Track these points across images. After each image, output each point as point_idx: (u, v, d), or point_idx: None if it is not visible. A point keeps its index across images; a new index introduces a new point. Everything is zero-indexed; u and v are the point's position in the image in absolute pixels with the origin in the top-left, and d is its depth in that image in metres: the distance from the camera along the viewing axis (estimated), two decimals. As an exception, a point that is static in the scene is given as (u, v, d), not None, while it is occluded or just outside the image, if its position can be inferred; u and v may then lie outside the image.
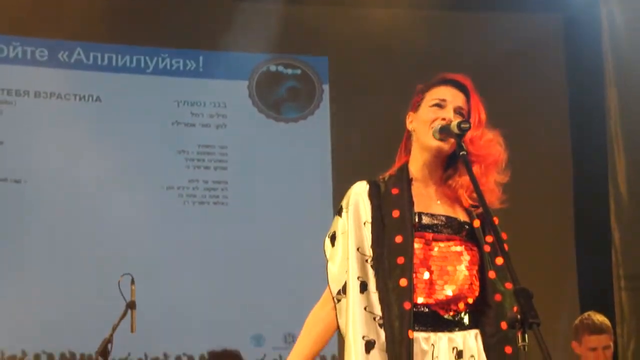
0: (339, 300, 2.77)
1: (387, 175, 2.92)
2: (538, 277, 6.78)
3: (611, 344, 4.81)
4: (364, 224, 2.81)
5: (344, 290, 2.77)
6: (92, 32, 6.93)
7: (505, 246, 2.85)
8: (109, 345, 4.90)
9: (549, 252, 7.04)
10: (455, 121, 2.76)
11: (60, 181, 6.73)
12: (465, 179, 2.79)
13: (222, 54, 7.21)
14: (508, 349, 2.71)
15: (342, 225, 2.84)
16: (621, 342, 6.72)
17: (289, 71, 7.41)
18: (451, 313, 2.75)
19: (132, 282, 5.06)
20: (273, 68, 7.38)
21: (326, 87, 7.39)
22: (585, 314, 4.89)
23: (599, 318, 4.82)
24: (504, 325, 2.72)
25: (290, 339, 6.83)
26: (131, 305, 5.03)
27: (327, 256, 2.84)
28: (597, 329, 4.78)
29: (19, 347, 6.45)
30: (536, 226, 7.00)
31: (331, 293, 2.79)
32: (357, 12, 7.17)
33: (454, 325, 2.74)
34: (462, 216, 2.84)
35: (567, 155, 7.40)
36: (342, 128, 7.20)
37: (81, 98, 6.96)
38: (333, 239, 2.85)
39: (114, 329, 4.95)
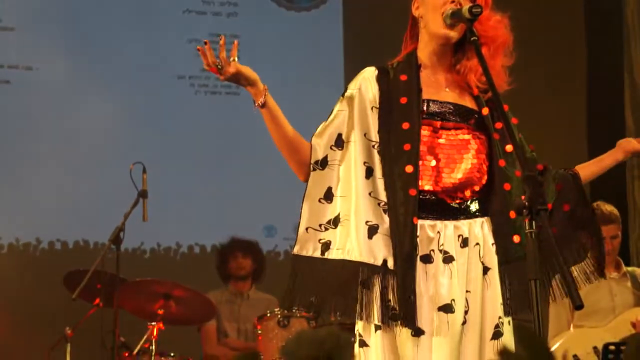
0: (313, 169, 2.74)
1: (395, 61, 2.87)
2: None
3: (619, 233, 4.82)
4: (372, 109, 2.77)
5: (321, 163, 2.74)
6: None
7: (519, 135, 2.84)
8: (121, 234, 4.94)
9: (561, 139, 7.01)
10: (466, 5, 2.69)
11: (71, 69, 6.67)
12: (474, 62, 2.75)
13: (234, -61, 7.08)
14: (516, 238, 2.70)
15: (341, 104, 2.81)
16: (633, 233, 6.73)
17: (302, -42, 7.28)
18: (457, 201, 2.73)
19: (144, 170, 5.06)
20: (285, -46, 7.26)
21: (339, -25, 7.26)
22: (594, 204, 4.87)
23: (608, 208, 4.82)
24: (512, 214, 2.70)
25: (301, 230, 6.87)
26: (143, 194, 5.05)
27: (318, 128, 2.81)
28: (606, 219, 4.78)
29: (33, 235, 6.52)
30: (549, 113, 6.95)
31: (310, 159, 2.74)
32: None
33: (460, 213, 2.73)
34: (470, 104, 2.81)
35: (582, 43, 7.31)
36: (354, 19, 7.10)
37: (94, -14, 6.88)
38: (330, 114, 2.82)
39: (125, 217, 4.97)
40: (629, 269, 5.03)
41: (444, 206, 2.73)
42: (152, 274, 5.50)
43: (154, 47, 6.87)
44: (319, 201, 2.73)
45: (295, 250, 2.73)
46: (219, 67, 2.62)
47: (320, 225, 2.71)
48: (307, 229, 2.71)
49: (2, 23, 6.66)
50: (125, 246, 5.43)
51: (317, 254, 2.70)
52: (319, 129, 2.79)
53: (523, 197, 2.34)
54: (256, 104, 2.71)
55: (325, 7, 7.22)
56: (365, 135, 2.76)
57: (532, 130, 6.96)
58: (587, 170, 2.98)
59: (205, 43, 2.62)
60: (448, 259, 2.68)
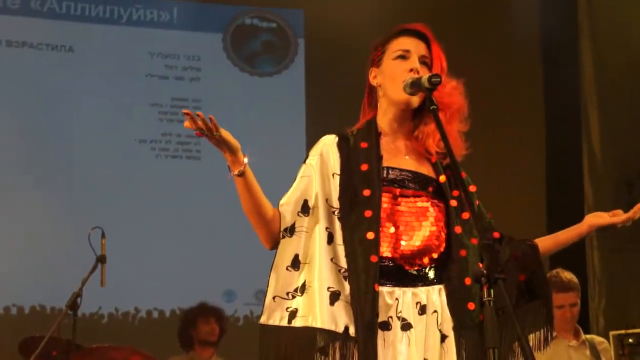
0: (282, 237, 2.73)
1: (355, 129, 2.90)
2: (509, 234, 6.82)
3: (578, 301, 4.83)
4: (333, 175, 2.78)
5: (289, 230, 2.73)
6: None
7: (477, 202, 2.86)
8: (79, 299, 4.85)
9: (521, 210, 7.06)
10: (425, 75, 2.72)
11: (32, 131, 6.65)
12: (431, 128, 2.78)
13: (197, 6, 7.16)
14: (471, 305, 2.70)
15: (304, 170, 2.81)
16: (592, 302, 6.77)
17: (265, 24, 7.35)
18: (415, 268, 2.74)
19: (103, 235, 5.00)
20: (248, 21, 7.32)
21: (301, 42, 7.33)
22: (554, 272, 4.89)
23: (567, 275, 4.84)
24: (467, 280, 2.70)
25: (261, 296, 6.82)
26: (101, 259, 4.98)
27: (284, 197, 2.79)
28: (565, 287, 4.79)
29: (-12, 300, 6.43)
30: (508, 182, 7.03)
31: (279, 226, 2.74)
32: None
33: (418, 280, 2.73)
34: (429, 171, 2.83)
35: (540, 112, 7.41)
36: (317, 83, 7.16)
37: (54, 48, 6.87)
38: (294, 182, 2.82)
39: (83, 282, 4.89)
40: (588, 337, 5.04)
41: (402, 273, 2.72)
42: (109, 339, 5.43)
43: (116, 111, 6.86)
44: (287, 269, 2.72)
45: (262, 319, 2.71)
46: (206, 130, 2.61)
47: (287, 294, 2.69)
48: (274, 297, 2.70)
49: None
50: (82, 311, 5.35)
51: (284, 323, 2.68)
52: (286, 196, 2.78)
53: (481, 264, 2.34)
54: (233, 173, 2.68)
55: (288, 73, 7.28)
56: (327, 201, 2.76)
57: (491, 198, 7.03)
58: (547, 242, 3.01)
59: (186, 114, 2.61)
60: (406, 326, 2.66)
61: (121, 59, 6.96)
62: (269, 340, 2.68)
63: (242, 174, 2.69)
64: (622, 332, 5.11)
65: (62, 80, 6.79)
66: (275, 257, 2.73)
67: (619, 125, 6.95)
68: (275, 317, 2.68)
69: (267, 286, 2.71)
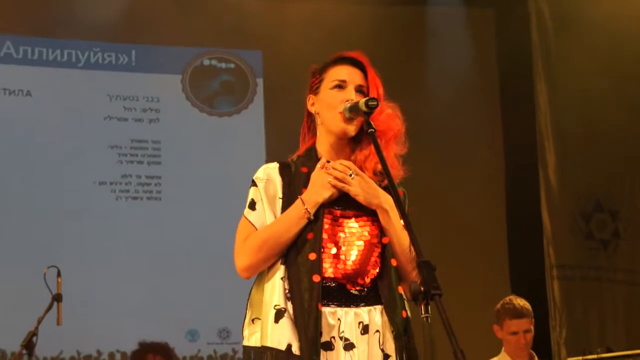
0: None
1: (295, 156, 2.96)
2: (469, 267, 6.87)
3: (532, 327, 4.86)
4: (277, 199, 2.84)
5: None
6: (21, 25, 6.85)
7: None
8: (34, 338, 4.83)
9: (480, 242, 7.13)
10: (362, 99, 2.77)
11: (-11, 176, 6.65)
12: (367, 152, 2.84)
13: (155, 48, 7.19)
14: (404, 313, 2.75)
15: (256, 193, 2.86)
16: (554, 332, 6.80)
17: (223, 65, 7.39)
18: (357, 288, 2.77)
19: (59, 274, 4.99)
20: (207, 62, 7.36)
21: (260, 81, 7.38)
22: (507, 298, 4.93)
23: (520, 302, 4.87)
24: (400, 289, 2.77)
25: (224, 334, 6.82)
26: (57, 298, 4.97)
27: (252, 221, 2.82)
28: (518, 313, 4.83)
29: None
30: (468, 215, 7.09)
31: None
32: (290, 6, 7.19)
33: (360, 300, 2.76)
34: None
35: (499, 147, 7.50)
36: (276, 122, 7.19)
37: (11, 92, 6.87)
38: (252, 205, 2.85)
39: (39, 321, 4.87)
40: (546, 364, 5.07)
41: (344, 293, 2.76)
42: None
43: (75, 153, 6.86)
44: (262, 290, 2.80)
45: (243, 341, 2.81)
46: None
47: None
48: (252, 319, 2.78)
49: None
50: (44, 355, 5.31)
51: (245, 342, 2.77)
52: (262, 224, 2.81)
53: (418, 281, 2.37)
54: (311, 214, 2.75)
55: (247, 112, 7.32)
56: None
57: (453, 229, 7.10)
58: None
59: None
60: (349, 346, 2.69)
61: (80, 102, 6.96)
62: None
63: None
64: (580, 358, 5.14)
65: (21, 124, 6.79)
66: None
67: (574, 160, 7.06)
68: (244, 336, 2.79)
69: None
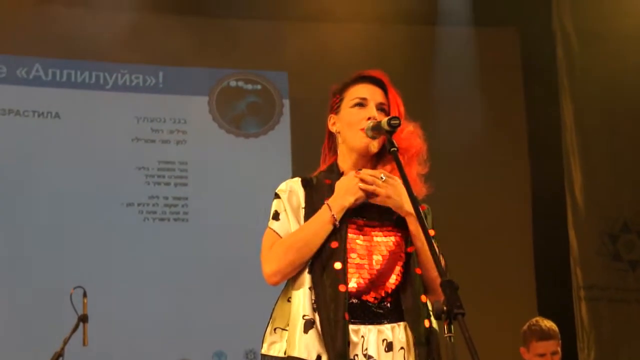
0: None
1: (317, 173, 2.96)
2: (495, 287, 6.83)
3: (559, 349, 4.82)
4: (300, 208, 2.85)
5: None
6: (50, 48, 6.92)
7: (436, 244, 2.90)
8: (60, 359, 4.87)
9: (507, 262, 7.09)
10: (385, 119, 2.78)
11: (20, 198, 6.70)
12: (388, 170, 2.83)
13: (182, 70, 7.23)
14: (427, 323, 2.75)
15: (280, 205, 2.87)
16: (582, 353, 6.75)
17: (249, 86, 7.42)
18: (379, 297, 2.77)
19: (85, 295, 5.04)
20: (233, 83, 7.40)
21: (286, 102, 7.41)
22: (533, 320, 4.90)
23: (547, 324, 4.83)
24: (423, 298, 2.76)
25: (251, 356, 6.82)
26: (83, 319, 5.01)
27: (276, 229, 2.82)
28: (545, 335, 4.79)
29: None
30: (494, 235, 7.06)
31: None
32: (315, 27, 7.23)
33: (383, 317, 2.76)
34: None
35: (525, 166, 7.46)
36: (302, 143, 7.20)
37: (40, 115, 6.93)
38: (276, 215, 2.86)
39: (65, 342, 4.93)
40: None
41: (367, 310, 2.75)
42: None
43: (103, 174, 6.90)
44: (288, 300, 2.80)
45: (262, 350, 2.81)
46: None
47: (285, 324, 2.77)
48: (274, 329, 2.78)
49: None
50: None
51: (271, 352, 2.77)
52: (281, 230, 2.82)
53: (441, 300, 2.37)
54: (337, 220, 2.75)
55: (274, 133, 7.34)
56: None
57: (480, 251, 7.07)
58: None
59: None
60: (373, 363, 2.69)
61: (107, 124, 7.02)
62: None
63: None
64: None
65: (49, 146, 6.84)
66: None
67: (601, 179, 7.02)
68: (264, 347, 2.79)
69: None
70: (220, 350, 6.85)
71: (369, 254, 2.78)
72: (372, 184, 2.73)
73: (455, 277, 2.45)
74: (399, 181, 2.75)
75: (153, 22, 7.06)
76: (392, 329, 2.75)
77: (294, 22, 7.27)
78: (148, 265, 6.83)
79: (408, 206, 2.74)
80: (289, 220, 2.82)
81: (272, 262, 2.77)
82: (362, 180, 2.75)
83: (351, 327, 2.71)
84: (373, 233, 2.81)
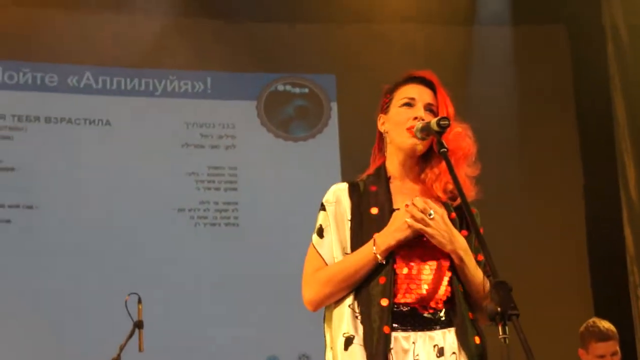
0: None
1: (365, 175, 2.96)
2: (551, 290, 6.76)
3: (618, 349, 4.76)
4: (346, 221, 2.84)
5: None
6: (100, 56, 6.99)
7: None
8: (117, 365, 4.91)
9: (560, 262, 7.01)
10: (434, 119, 2.77)
11: (72, 206, 6.77)
12: (437, 171, 2.82)
13: (230, 75, 7.26)
14: (477, 339, 2.73)
15: (325, 219, 2.86)
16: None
17: (297, 90, 7.43)
18: (430, 311, 2.75)
19: (139, 301, 5.07)
20: (281, 87, 7.41)
21: (334, 105, 7.40)
22: (590, 321, 4.84)
23: (605, 325, 4.77)
24: (471, 314, 2.75)
25: None
26: (138, 325, 5.04)
27: (318, 249, 2.83)
28: (604, 336, 4.73)
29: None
30: (547, 235, 6.99)
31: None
32: (362, 28, 7.22)
33: (433, 323, 2.75)
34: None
35: (577, 163, 7.38)
36: (351, 146, 7.19)
37: (91, 122, 7.00)
38: (320, 232, 2.85)
39: (121, 348, 4.97)
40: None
41: (417, 317, 2.74)
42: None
43: (154, 181, 6.95)
44: (331, 318, 2.83)
45: None
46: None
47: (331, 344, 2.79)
48: (331, 347, 2.79)
49: (2, 163, 6.77)
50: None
51: None
52: (325, 254, 2.82)
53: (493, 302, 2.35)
54: (381, 258, 2.73)
55: (322, 136, 7.34)
56: (344, 249, 2.82)
57: (529, 248, 7.00)
58: None
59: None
60: (425, 369, 2.68)
61: (157, 130, 7.07)
62: None
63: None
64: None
65: (101, 153, 6.91)
66: None
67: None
68: None
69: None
70: (273, 355, 6.85)
71: (417, 265, 2.76)
72: (420, 221, 2.70)
73: (507, 278, 2.43)
74: (446, 218, 2.74)
75: (201, 28, 7.12)
76: (443, 334, 2.74)
77: (340, 24, 7.27)
78: (200, 270, 6.86)
79: (451, 245, 2.73)
80: (332, 239, 2.82)
81: (311, 291, 2.80)
82: (412, 217, 2.71)
83: (401, 334, 2.71)
84: (420, 245, 2.77)
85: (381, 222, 2.78)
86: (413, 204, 2.72)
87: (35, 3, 6.85)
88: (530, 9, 7.25)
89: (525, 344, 2.29)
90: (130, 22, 6.98)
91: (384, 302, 2.68)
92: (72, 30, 6.85)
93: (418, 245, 2.77)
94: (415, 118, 2.84)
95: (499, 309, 2.34)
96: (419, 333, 2.72)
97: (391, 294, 2.69)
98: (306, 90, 7.44)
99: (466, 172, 2.84)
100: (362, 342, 2.67)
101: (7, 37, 6.85)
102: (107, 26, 6.94)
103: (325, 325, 2.83)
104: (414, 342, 2.70)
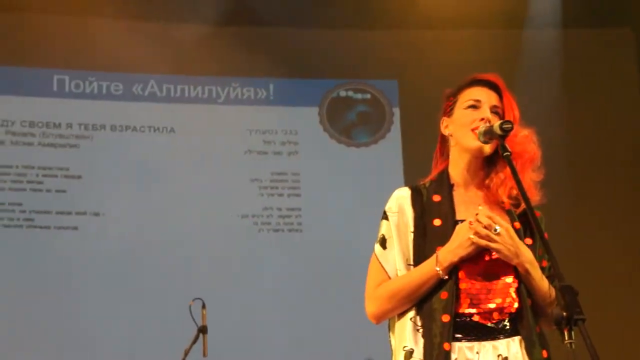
0: None
1: (427, 180, 2.93)
2: (617, 294, 6.66)
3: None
4: (409, 232, 2.82)
5: None
6: (164, 65, 7.07)
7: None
8: (183, 370, 4.95)
9: (628, 268, 6.91)
10: (497, 123, 2.74)
11: (137, 213, 6.85)
12: (502, 176, 2.79)
13: (292, 81, 7.29)
14: (544, 353, 2.70)
15: (388, 229, 2.84)
16: None
17: (359, 96, 7.43)
18: (494, 321, 2.73)
19: (204, 306, 5.10)
20: (343, 93, 7.42)
21: (396, 111, 7.39)
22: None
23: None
24: (538, 328, 2.72)
25: (370, 363, 6.81)
26: (203, 330, 5.08)
27: (381, 261, 2.82)
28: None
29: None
30: (613, 239, 6.91)
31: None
32: (424, 34, 7.20)
33: (497, 332, 2.72)
34: (503, 220, 2.80)
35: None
36: (414, 151, 7.17)
37: (156, 130, 7.08)
38: (383, 242, 2.84)
39: (186, 353, 5.00)
40: None
41: (480, 327, 2.72)
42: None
43: (217, 187, 7.00)
44: (393, 332, 2.85)
45: None
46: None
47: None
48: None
49: (69, 171, 6.88)
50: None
51: None
52: (393, 269, 2.81)
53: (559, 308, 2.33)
54: (444, 274, 2.71)
55: (384, 142, 7.33)
56: (407, 260, 2.80)
57: (596, 254, 6.90)
58: None
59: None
60: (490, 378, 2.66)
61: (220, 137, 7.13)
62: None
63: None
64: None
65: (165, 160, 6.98)
66: None
67: None
68: None
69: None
70: (338, 360, 6.85)
71: (480, 278, 2.73)
72: (485, 237, 2.67)
73: (573, 282, 2.40)
74: (512, 231, 2.70)
75: (263, 35, 7.16)
76: (507, 344, 2.71)
77: (402, 29, 7.26)
78: (265, 276, 6.89)
79: (517, 259, 2.69)
80: (395, 251, 2.80)
81: (374, 306, 2.80)
82: (476, 233, 2.68)
83: (465, 344, 2.69)
84: (484, 257, 2.74)
85: (444, 234, 2.75)
86: (477, 220, 2.68)
87: (100, 13, 6.95)
88: (600, 13, 7.16)
89: (592, 349, 2.26)
90: (193, 31, 7.05)
91: (445, 318, 2.67)
92: (136, 40, 6.94)
93: (482, 259, 2.73)
94: (482, 119, 2.81)
95: (564, 313, 2.31)
96: (483, 343, 2.70)
97: (452, 309, 2.67)
98: (368, 96, 7.44)
99: (531, 177, 2.80)
100: (421, 356, 2.67)
101: (74, 47, 6.96)
102: (170, 35, 7.01)
103: (390, 333, 2.83)
104: (477, 352, 2.68)
